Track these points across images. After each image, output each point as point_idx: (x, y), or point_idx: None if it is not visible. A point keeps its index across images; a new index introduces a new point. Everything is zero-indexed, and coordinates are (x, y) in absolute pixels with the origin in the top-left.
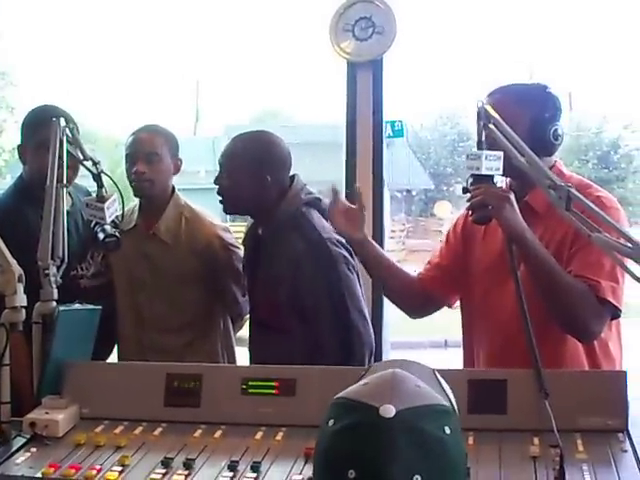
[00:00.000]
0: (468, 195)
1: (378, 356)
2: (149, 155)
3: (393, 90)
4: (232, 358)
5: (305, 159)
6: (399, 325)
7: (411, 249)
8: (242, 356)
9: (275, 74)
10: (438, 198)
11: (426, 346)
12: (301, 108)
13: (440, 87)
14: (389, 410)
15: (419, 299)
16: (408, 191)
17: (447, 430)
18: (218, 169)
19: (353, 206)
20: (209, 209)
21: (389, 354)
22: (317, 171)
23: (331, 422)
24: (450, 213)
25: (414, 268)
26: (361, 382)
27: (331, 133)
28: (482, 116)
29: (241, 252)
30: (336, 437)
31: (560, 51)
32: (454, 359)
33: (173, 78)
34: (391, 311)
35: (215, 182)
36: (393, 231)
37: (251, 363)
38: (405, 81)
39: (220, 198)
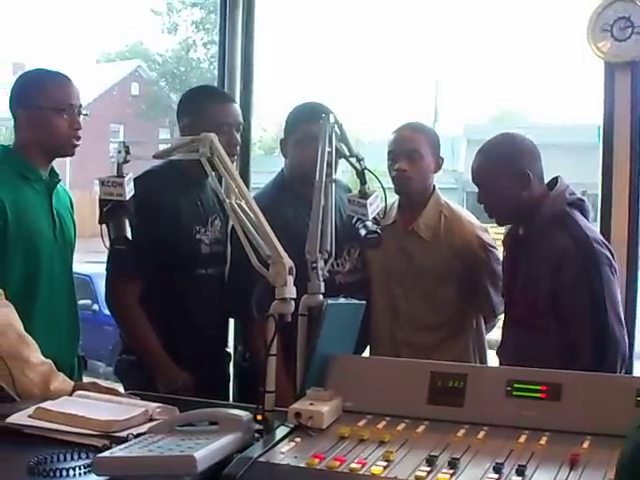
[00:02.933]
0: None
1: (629, 364)
2: (410, 152)
3: None
4: (483, 358)
5: (550, 160)
6: None
7: None
8: (491, 358)
9: (517, 73)
10: None
11: None
12: (540, 109)
13: None
14: None
15: None
16: None
17: None
18: (477, 188)
19: None
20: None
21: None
22: (562, 173)
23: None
24: None
25: None
26: None
27: (575, 134)
28: None
29: (498, 253)
30: None
31: None
32: None
33: (413, 78)
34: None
35: (479, 201)
36: None
37: (501, 361)
38: None
39: (488, 214)
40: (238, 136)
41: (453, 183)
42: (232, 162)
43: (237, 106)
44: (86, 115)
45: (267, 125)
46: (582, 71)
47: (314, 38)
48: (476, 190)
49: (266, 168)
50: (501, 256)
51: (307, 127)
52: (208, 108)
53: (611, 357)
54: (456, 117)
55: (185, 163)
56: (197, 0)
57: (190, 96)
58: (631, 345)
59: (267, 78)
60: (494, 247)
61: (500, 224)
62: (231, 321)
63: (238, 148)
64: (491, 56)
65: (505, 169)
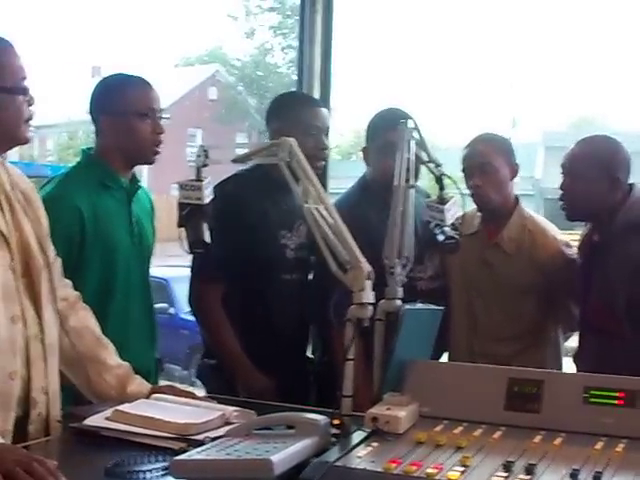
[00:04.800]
0: None
1: None
2: (483, 166)
3: None
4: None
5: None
6: None
7: None
8: (567, 367)
9: (596, 79)
10: None
11: None
12: (620, 115)
13: None
14: None
15: None
16: None
17: None
18: (562, 174)
19: None
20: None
21: None
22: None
23: None
24: None
25: None
26: None
27: None
28: None
29: None
30: None
31: None
32: None
33: (491, 83)
34: None
35: (561, 187)
36: None
37: (578, 370)
38: None
39: (563, 203)
40: (327, 140)
41: (530, 190)
42: (320, 166)
43: (326, 111)
44: (168, 118)
45: (344, 130)
46: None
47: (391, 43)
48: (554, 197)
49: (343, 173)
50: None
51: (388, 134)
52: (297, 112)
53: None
54: (534, 123)
55: (272, 167)
56: (274, 5)
57: (279, 100)
58: None
59: (344, 82)
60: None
61: (570, 219)
62: None
63: (327, 152)
64: (571, 61)
65: (600, 167)
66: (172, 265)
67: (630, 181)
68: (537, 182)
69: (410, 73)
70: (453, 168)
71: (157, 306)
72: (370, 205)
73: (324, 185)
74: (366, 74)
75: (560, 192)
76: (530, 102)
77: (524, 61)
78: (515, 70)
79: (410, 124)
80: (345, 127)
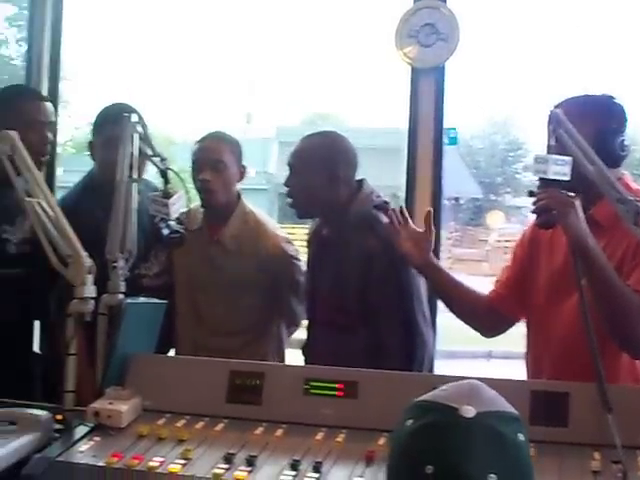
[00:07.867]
0: (528, 203)
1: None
2: (215, 163)
3: (449, 97)
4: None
5: (362, 164)
6: (442, 334)
7: (457, 258)
8: (293, 359)
9: (329, 77)
10: (486, 207)
11: (468, 356)
12: (353, 112)
13: (492, 96)
14: (469, 410)
15: (491, 318)
16: (456, 199)
17: (521, 437)
18: (288, 171)
19: (420, 230)
20: (258, 209)
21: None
22: (373, 176)
23: (410, 422)
24: (502, 223)
25: (461, 277)
26: (437, 390)
27: (386, 138)
28: (552, 120)
29: (301, 264)
30: (415, 435)
31: (616, 63)
32: (497, 371)
33: (226, 78)
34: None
35: (285, 184)
36: None
37: (307, 362)
38: (459, 88)
39: (290, 201)
40: (50, 135)
41: (264, 184)
42: (44, 161)
43: (50, 105)
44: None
45: (80, 123)
46: (388, 76)
47: (130, 34)
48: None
49: (78, 167)
50: (303, 265)
51: (112, 129)
52: (19, 105)
53: (419, 355)
54: (269, 119)
55: None
56: None
57: (1, 94)
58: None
59: (81, 74)
60: (298, 259)
61: (298, 216)
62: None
63: (49, 147)
64: (305, 57)
65: (319, 163)
66: None
67: (359, 177)
68: (271, 177)
69: (146, 67)
70: (189, 161)
71: None
72: (96, 200)
73: (51, 178)
74: (102, 67)
75: (287, 189)
76: (264, 98)
77: (260, 57)
78: (251, 66)
79: (134, 118)
80: (81, 120)
